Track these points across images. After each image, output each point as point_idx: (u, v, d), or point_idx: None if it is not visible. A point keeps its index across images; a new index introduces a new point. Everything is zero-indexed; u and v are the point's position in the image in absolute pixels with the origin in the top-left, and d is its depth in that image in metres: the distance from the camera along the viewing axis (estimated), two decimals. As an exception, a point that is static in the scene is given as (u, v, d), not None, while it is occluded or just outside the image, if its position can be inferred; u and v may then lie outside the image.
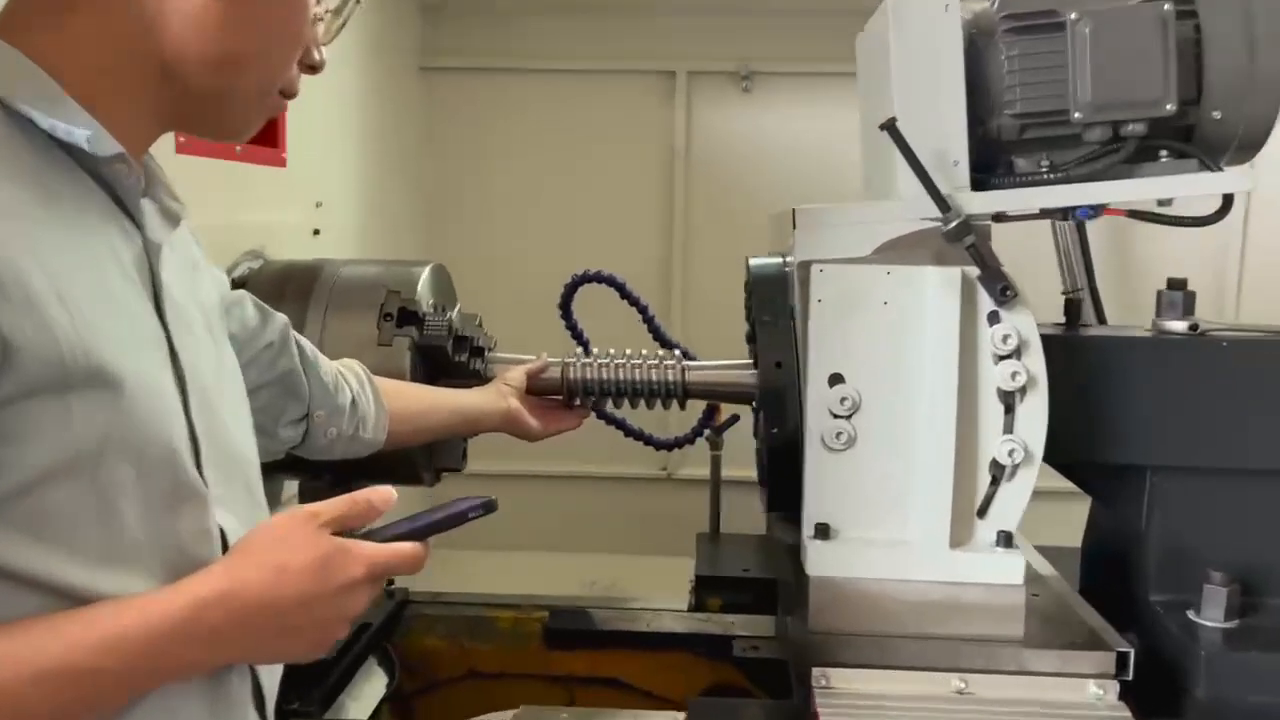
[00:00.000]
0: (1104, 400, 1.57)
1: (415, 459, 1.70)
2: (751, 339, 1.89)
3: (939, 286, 1.47)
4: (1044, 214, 1.60)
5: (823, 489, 1.52)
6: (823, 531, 1.51)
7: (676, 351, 1.84)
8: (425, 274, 1.77)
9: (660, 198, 3.45)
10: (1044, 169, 1.58)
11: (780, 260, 1.72)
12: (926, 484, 1.48)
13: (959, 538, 1.49)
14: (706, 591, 2.23)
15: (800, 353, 1.58)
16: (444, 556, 3.45)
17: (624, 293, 2.12)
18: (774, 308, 1.64)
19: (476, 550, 3.39)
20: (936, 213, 1.49)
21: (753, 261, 1.74)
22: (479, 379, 1.77)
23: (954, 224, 1.46)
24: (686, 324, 3.34)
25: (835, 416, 1.51)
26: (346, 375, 1.40)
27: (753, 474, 2.81)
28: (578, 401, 1.82)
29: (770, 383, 1.63)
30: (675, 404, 1.82)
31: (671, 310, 3.40)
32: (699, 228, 3.43)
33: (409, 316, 1.70)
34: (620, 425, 2.05)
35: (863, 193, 1.80)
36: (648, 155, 3.44)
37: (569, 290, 2.09)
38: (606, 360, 1.79)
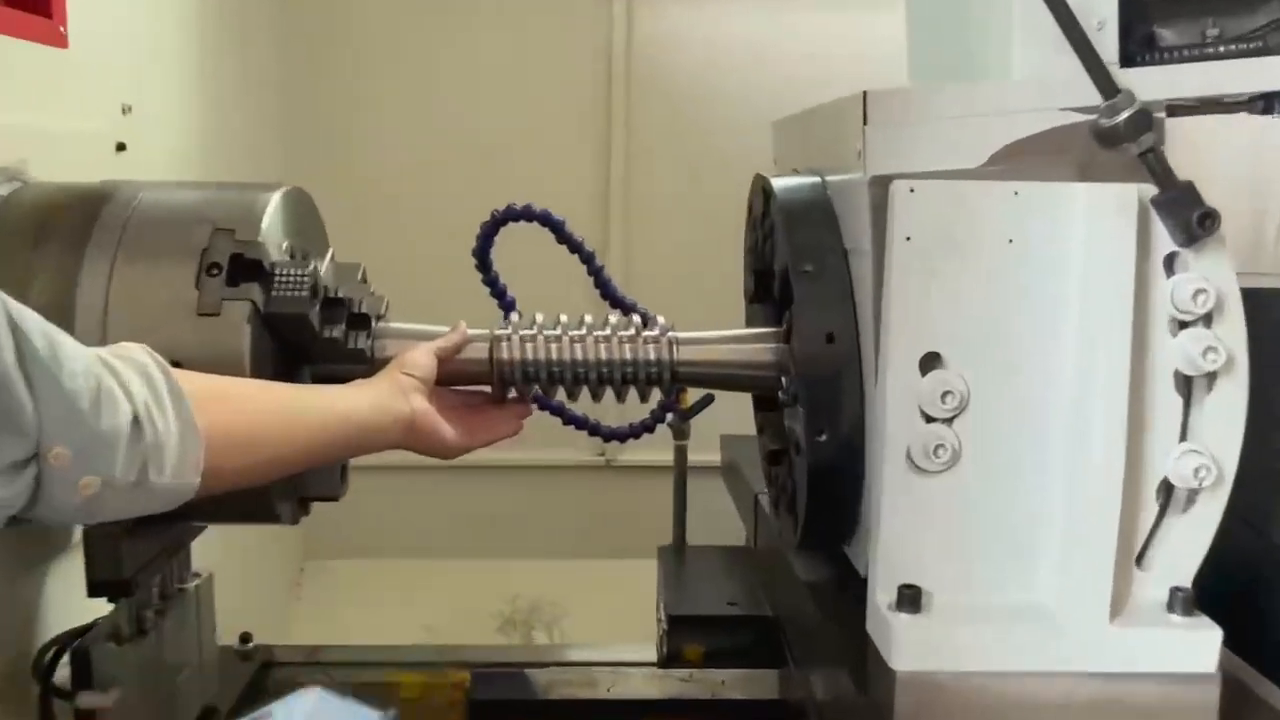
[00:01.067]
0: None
1: (267, 486, 1.13)
2: (759, 296, 1.36)
3: (1100, 214, 0.96)
4: (1226, 106, 1.10)
5: (909, 531, 1.01)
6: (910, 599, 1.00)
7: (636, 318, 1.29)
8: (274, 203, 1.18)
9: (595, 117, 2.87)
10: (1209, 39, 1.09)
11: (818, 180, 1.19)
12: (1075, 521, 0.99)
13: (1113, 599, 1.00)
14: (682, 636, 1.71)
15: (866, 319, 1.06)
16: (323, 568, 2.87)
17: (562, 235, 1.56)
18: (818, 251, 1.11)
19: (369, 559, 2.85)
20: (1076, 99, 0.98)
21: (777, 184, 1.20)
22: (364, 365, 1.20)
23: (1126, 113, 0.95)
24: (630, 278, 2.79)
25: (930, 420, 0.99)
26: (122, 375, 0.82)
27: (712, 457, 2.34)
28: (513, 393, 1.27)
29: (816, 364, 1.10)
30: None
31: (610, 260, 2.85)
32: (644, 154, 2.87)
33: (249, 269, 1.12)
34: (558, 411, 1.50)
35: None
36: (579, 61, 2.86)
37: (488, 232, 1.52)
38: (555, 333, 1.24)
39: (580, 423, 1.51)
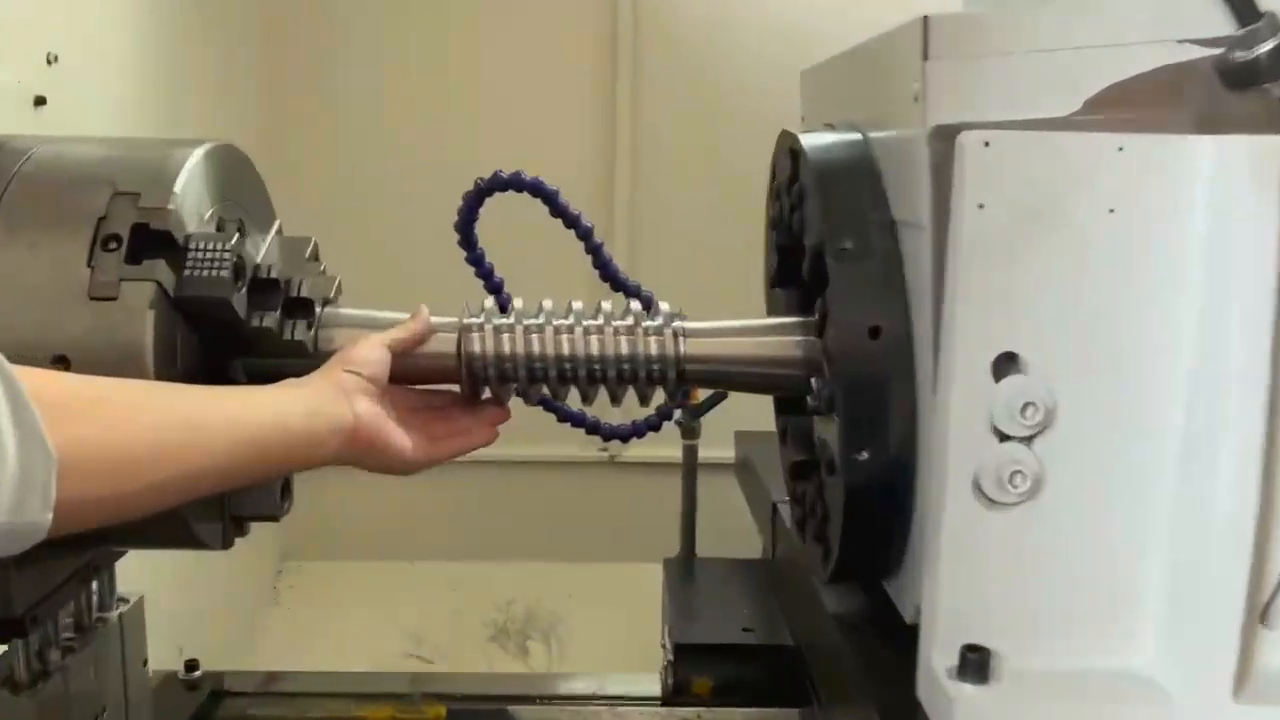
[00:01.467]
0: None
1: (185, 509, 0.93)
2: (784, 279, 1.15)
3: (1231, 175, 0.75)
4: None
5: (975, 580, 0.81)
6: (976, 665, 0.79)
7: (635, 304, 1.08)
8: (194, 162, 0.98)
9: (598, 71, 2.66)
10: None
11: (858, 137, 0.98)
12: (1190, 568, 0.78)
13: (1237, 668, 0.80)
14: (689, 667, 1.52)
15: (921, 310, 0.86)
16: (301, 570, 2.68)
17: (555, 207, 1.36)
18: (860, 224, 0.91)
19: (352, 561, 2.66)
20: (1201, 27, 0.78)
21: (807, 141, 1.00)
22: (307, 359, 1.00)
23: (1269, 44, 0.74)
24: (636, 259, 2.59)
25: (1005, 438, 0.79)
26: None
27: (724, 454, 2.14)
28: (487, 392, 1.07)
29: (856, 365, 0.89)
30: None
31: (614, 238, 2.65)
32: (652, 114, 2.66)
33: (156, 242, 0.92)
34: (552, 406, 1.29)
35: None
36: (581, 7, 2.64)
37: (471, 204, 1.33)
38: (537, 322, 1.04)
39: (578, 419, 1.30)
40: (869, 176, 0.93)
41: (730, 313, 1.06)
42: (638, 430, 1.42)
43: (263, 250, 1.13)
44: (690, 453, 1.86)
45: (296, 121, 2.66)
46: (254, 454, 0.84)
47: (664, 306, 1.06)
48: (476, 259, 1.37)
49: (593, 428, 1.35)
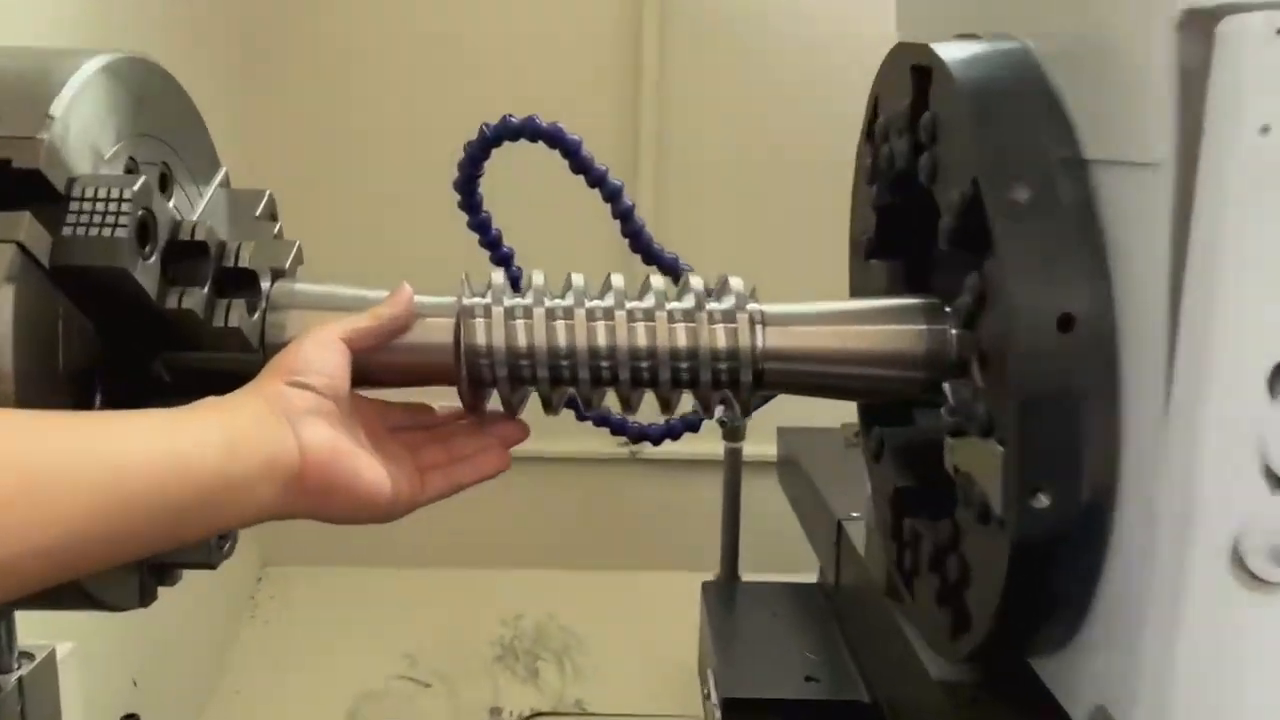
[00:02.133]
0: None
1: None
2: (885, 248, 0.90)
3: None
4: None
5: (1227, 694, 0.55)
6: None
7: (696, 280, 0.81)
8: (83, 78, 0.72)
9: (621, 17, 2.39)
10: None
11: (1016, 47, 0.71)
12: None
13: None
14: (741, 724, 1.26)
15: (1135, 292, 0.59)
16: (284, 577, 2.43)
17: (579, 162, 1.12)
18: (1039, 166, 0.64)
19: (340, 567, 2.40)
20: None
21: (946, 52, 0.72)
22: (253, 354, 0.75)
23: None
24: (663, 229, 2.31)
25: (1288, 488, 0.53)
26: None
27: (761, 450, 1.88)
28: (492, 396, 0.81)
29: (1037, 365, 0.63)
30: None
31: (639, 204, 2.37)
32: (682, 68, 2.38)
33: (22, 186, 0.66)
34: (574, 403, 1.03)
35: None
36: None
37: (475, 155, 1.09)
38: (563, 303, 0.78)
39: (601, 416, 1.05)
40: (1044, 100, 0.66)
41: (771, 293, 0.80)
42: (672, 431, 1.17)
43: (199, 206, 0.87)
44: (734, 458, 1.60)
45: (279, 71, 2.40)
46: (142, 516, 0.58)
47: (735, 283, 0.80)
48: (480, 223, 1.13)
49: (619, 427, 1.10)
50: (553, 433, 0.85)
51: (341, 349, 0.70)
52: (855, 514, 1.42)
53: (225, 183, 0.93)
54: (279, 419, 0.65)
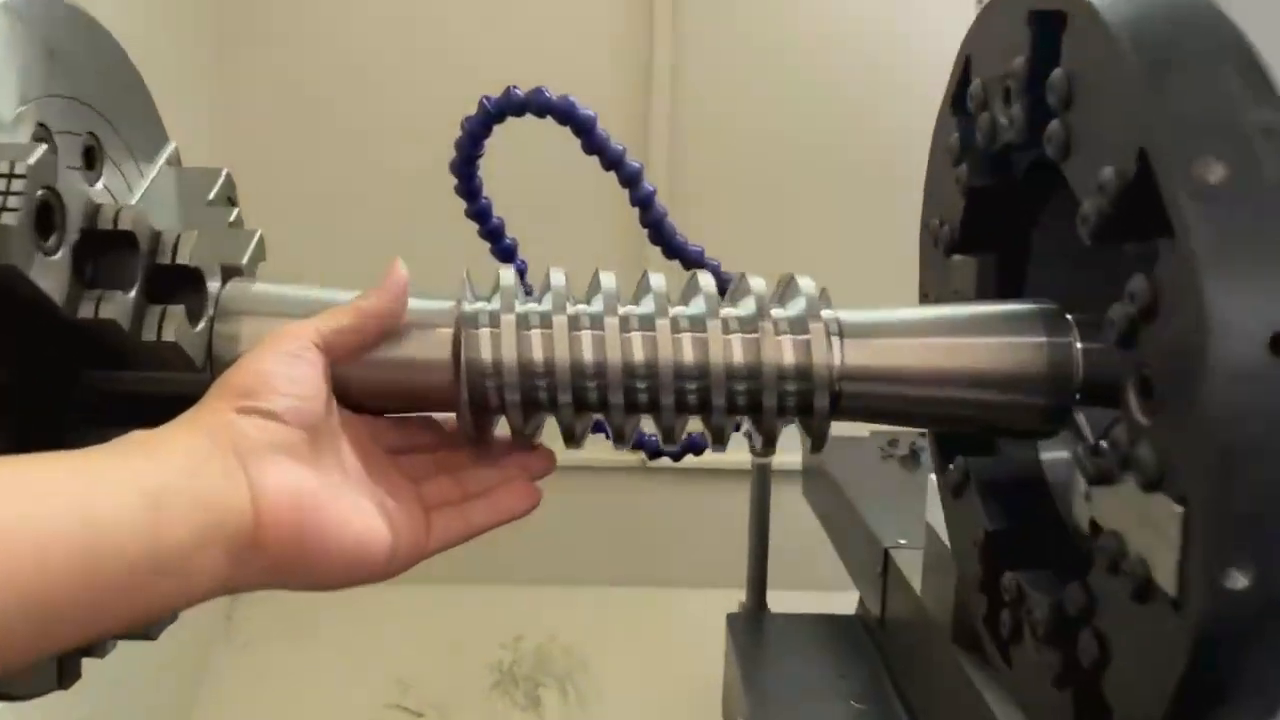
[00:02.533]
0: None
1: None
2: (978, 241, 0.75)
3: None
4: None
5: None
6: None
7: (756, 282, 0.66)
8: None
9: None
10: None
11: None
12: None
13: None
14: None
15: None
16: (262, 595, 2.29)
17: (593, 141, 0.99)
18: (1236, 133, 0.49)
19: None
20: None
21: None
22: (192, 384, 0.59)
23: None
24: (679, 216, 2.16)
25: None
26: None
27: (785, 458, 1.75)
28: (501, 423, 0.65)
29: (1239, 400, 0.47)
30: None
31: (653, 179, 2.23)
32: (697, 37, 2.23)
33: None
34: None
35: None
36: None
37: (475, 132, 0.96)
38: (589, 309, 0.63)
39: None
40: (1233, 47, 0.51)
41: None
42: (694, 445, 1.02)
43: (140, 189, 0.72)
44: (762, 475, 1.45)
45: (249, 19, 2.24)
46: (38, 606, 0.43)
47: (805, 284, 0.65)
48: (480, 211, 1.00)
49: (636, 442, 0.95)
50: (552, 435, 0.71)
51: (314, 359, 0.55)
52: (903, 540, 1.28)
53: (175, 161, 0.77)
54: (225, 461, 0.50)
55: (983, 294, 0.76)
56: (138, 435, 0.51)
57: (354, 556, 0.55)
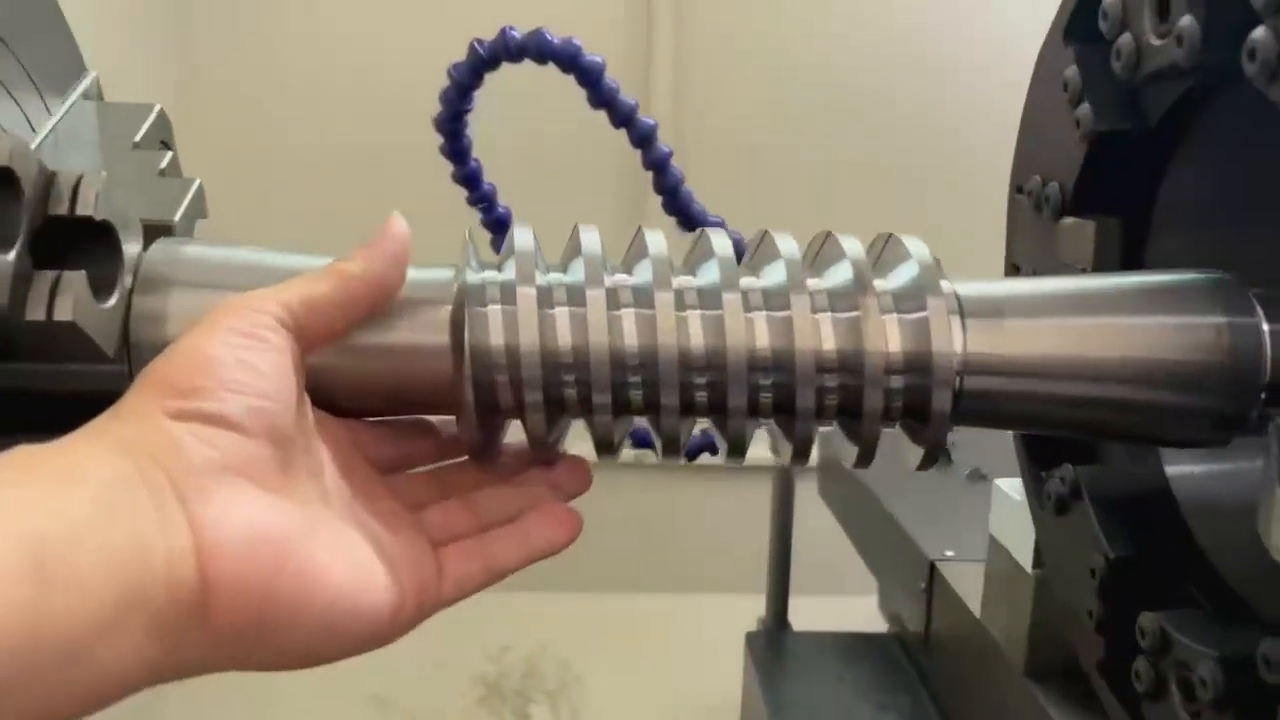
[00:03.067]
0: None
1: None
2: (1099, 201, 0.61)
3: None
4: None
5: None
6: None
7: (852, 244, 0.51)
8: None
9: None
10: None
11: None
12: None
13: None
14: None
15: None
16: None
17: (599, 94, 0.85)
18: None
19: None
20: None
21: None
22: (101, 377, 0.44)
23: None
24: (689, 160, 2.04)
25: None
26: None
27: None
28: (525, 429, 0.50)
29: None
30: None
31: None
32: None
33: None
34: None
35: None
36: None
37: (464, 81, 0.81)
38: (630, 278, 0.48)
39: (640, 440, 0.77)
40: None
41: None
42: (709, 444, 0.88)
43: (46, 127, 0.57)
44: (785, 481, 1.31)
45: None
46: None
47: (914, 247, 0.50)
48: (469, 175, 0.87)
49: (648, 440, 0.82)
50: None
51: (279, 341, 0.41)
52: (950, 552, 1.15)
53: (94, 95, 0.62)
54: (154, 492, 0.35)
55: (1103, 265, 0.62)
56: (22, 452, 0.36)
57: (343, 620, 0.40)
